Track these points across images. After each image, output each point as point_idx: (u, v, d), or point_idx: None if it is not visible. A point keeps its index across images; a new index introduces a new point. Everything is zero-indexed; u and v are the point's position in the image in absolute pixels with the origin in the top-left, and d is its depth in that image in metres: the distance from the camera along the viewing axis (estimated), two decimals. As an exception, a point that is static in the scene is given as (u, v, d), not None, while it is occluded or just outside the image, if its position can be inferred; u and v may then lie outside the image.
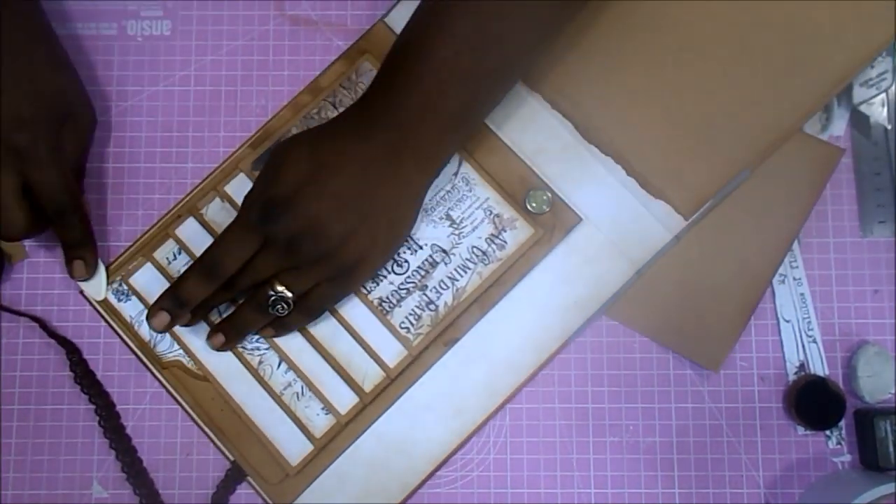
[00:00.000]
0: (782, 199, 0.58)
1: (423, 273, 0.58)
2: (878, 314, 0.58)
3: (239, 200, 0.56)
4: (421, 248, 0.58)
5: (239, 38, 0.62)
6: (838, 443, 0.58)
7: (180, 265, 0.58)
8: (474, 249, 0.58)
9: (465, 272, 0.58)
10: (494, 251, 0.58)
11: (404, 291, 0.58)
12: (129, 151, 0.61)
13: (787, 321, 0.58)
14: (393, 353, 0.57)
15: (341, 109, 0.58)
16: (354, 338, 0.57)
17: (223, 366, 0.57)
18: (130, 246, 0.59)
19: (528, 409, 0.58)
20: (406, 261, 0.58)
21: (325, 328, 0.57)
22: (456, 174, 0.58)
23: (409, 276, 0.58)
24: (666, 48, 0.57)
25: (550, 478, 0.58)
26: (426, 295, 0.57)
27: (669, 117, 0.56)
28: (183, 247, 0.58)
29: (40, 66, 0.55)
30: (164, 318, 0.54)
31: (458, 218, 0.58)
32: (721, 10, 0.57)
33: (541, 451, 0.58)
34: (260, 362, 0.58)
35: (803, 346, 0.58)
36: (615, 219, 0.57)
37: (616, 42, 0.57)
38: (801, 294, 0.59)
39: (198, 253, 0.57)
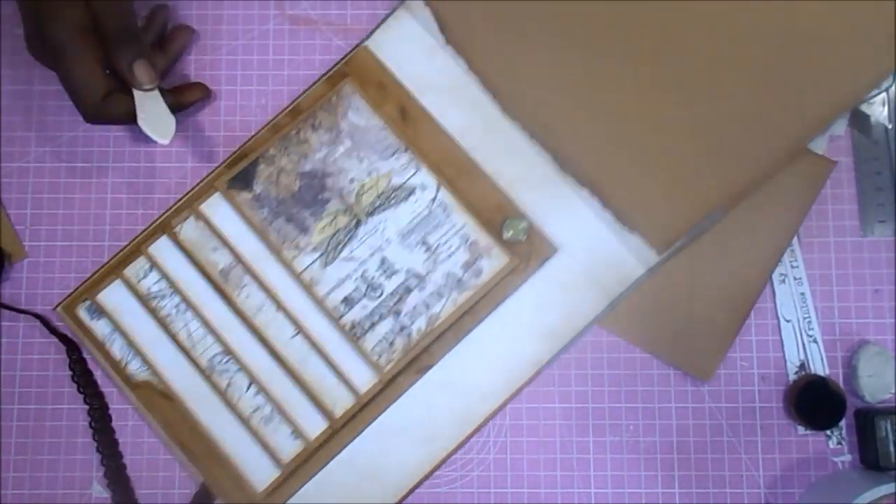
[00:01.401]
0: (773, 211, 0.58)
1: (397, 298, 0.58)
2: (879, 314, 0.58)
3: (215, 220, 0.57)
4: (396, 272, 0.58)
5: (239, 38, 0.62)
6: (838, 443, 0.58)
7: (150, 283, 0.58)
8: (449, 276, 0.58)
9: (440, 299, 0.57)
10: (470, 278, 0.58)
11: (377, 316, 0.57)
12: (129, 151, 0.61)
13: (788, 321, 0.58)
14: (364, 378, 0.57)
15: (321, 131, 0.59)
16: (326, 362, 0.57)
17: (191, 387, 0.57)
18: (102, 266, 0.59)
19: (528, 409, 0.58)
20: (381, 285, 0.58)
21: (296, 351, 0.57)
22: (434, 200, 0.58)
23: (382, 301, 0.58)
24: (646, 84, 0.57)
25: (550, 478, 0.58)
26: (400, 321, 0.57)
27: (647, 153, 0.57)
28: (154, 264, 0.58)
29: None
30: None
31: (434, 244, 0.58)
32: (701, 50, 0.57)
33: (541, 451, 0.58)
34: (229, 384, 0.57)
35: (804, 346, 0.58)
36: (590, 250, 0.57)
37: (597, 76, 0.57)
38: (802, 293, 0.59)
39: (170, 273, 0.58)
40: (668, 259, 0.57)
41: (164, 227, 0.59)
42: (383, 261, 0.58)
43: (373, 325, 0.57)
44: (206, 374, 0.57)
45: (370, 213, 0.59)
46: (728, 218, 0.58)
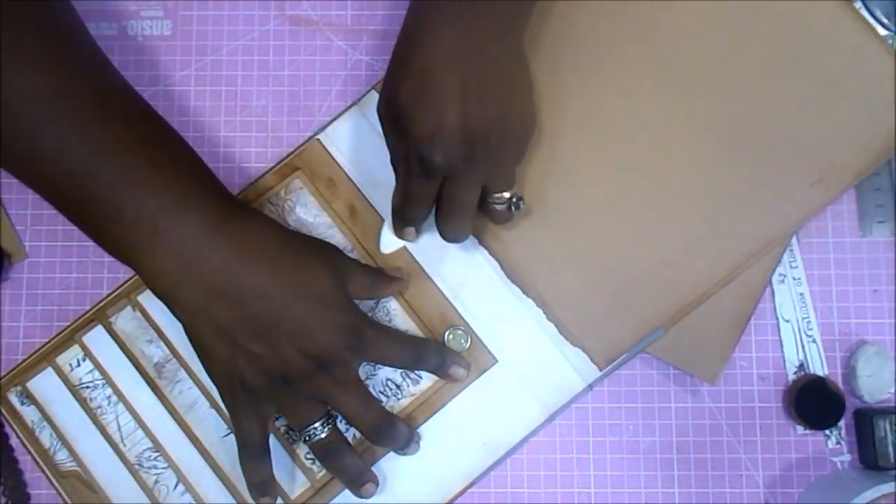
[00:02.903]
0: (774, 209, 0.58)
1: None
2: (878, 314, 0.59)
3: (152, 311, 0.57)
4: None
5: (239, 38, 0.62)
6: (838, 442, 0.58)
7: (83, 373, 0.58)
8: (388, 383, 0.57)
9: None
10: (409, 386, 0.57)
11: None
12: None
13: (787, 321, 0.59)
14: (296, 484, 0.56)
15: None
16: None
17: (118, 481, 0.57)
18: (35, 351, 0.58)
19: (528, 409, 0.58)
20: None
21: (227, 451, 0.57)
22: (377, 303, 0.57)
23: None
24: (595, 201, 0.57)
25: (550, 478, 0.58)
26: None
27: (593, 268, 0.56)
28: (88, 354, 0.58)
29: None
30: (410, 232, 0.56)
31: None
32: (647, 175, 0.57)
33: (541, 451, 0.58)
34: (156, 481, 0.57)
35: (803, 346, 0.58)
36: (531, 362, 0.57)
37: (548, 188, 0.57)
38: (801, 294, 0.59)
39: (102, 363, 0.57)
40: (607, 376, 0.57)
41: (100, 316, 0.58)
42: None
43: None
44: (133, 469, 0.57)
45: None
46: (729, 217, 0.58)
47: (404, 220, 0.55)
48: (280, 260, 0.51)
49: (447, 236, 0.55)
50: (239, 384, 0.51)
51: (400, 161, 0.52)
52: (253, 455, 0.54)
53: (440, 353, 0.56)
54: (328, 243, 0.55)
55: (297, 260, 0.52)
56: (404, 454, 0.56)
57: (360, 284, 0.54)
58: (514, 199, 0.54)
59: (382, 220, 0.58)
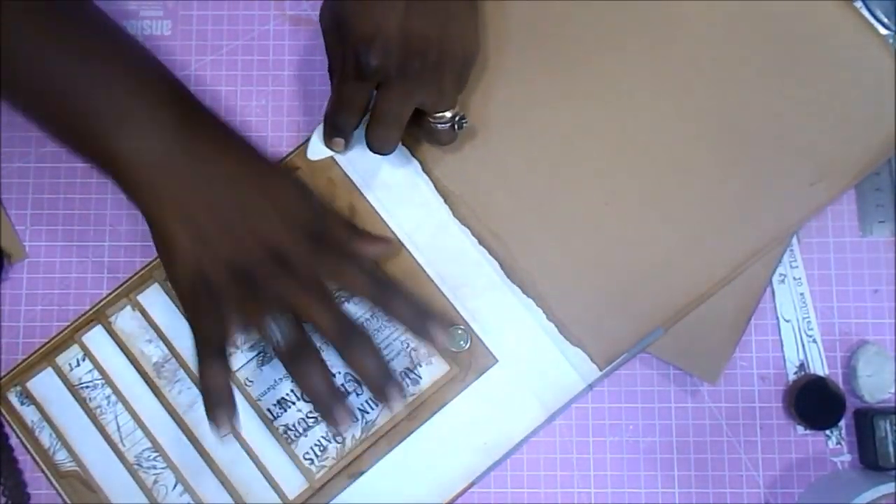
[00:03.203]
0: (774, 209, 0.58)
1: None
2: (878, 314, 0.58)
3: (152, 311, 0.57)
4: (334, 376, 0.56)
5: (239, 38, 0.62)
6: (838, 442, 0.58)
7: (82, 373, 0.58)
8: None
9: (376, 405, 0.57)
10: (408, 386, 0.57)
11: (312, 420, 0.57)
12: (129, 151, 0.61)
13: (787, 321, 0.59)
14: (294, 484, 0.56)
15: None
16: (256, 465, 0.56)
17: (117, 481, 0.56)
18: (35, 351, 0.58)
19: (528, 409, 0.58)
20: None
21: (226, 452, 0.56)
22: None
23: None
24: (598, 199, 0.57)
25: (550, 478, 0.58)
26: None
27: (593, 268, 0.56)
28: (87, 354, 0.58)
29: None
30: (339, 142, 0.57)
31: None
32: (650, 172, 0.57)
33: (541, 451, 0.58)
34: (155, 481, 0.57)
35: (803, 346, 0.58)
36: (531, 362, 0.57)
37: (549, 188, 0.57)
38: (801, 294, 0.59)
39: (101, 363, 0.57)
40: (607, 376, 0.57)
41: (100, 316, 0.58)
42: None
43: (306, 429, 0.56)
44: (132, 469, 0.57)
45: None
46: (729, 217, 0.58)
47: (335, 127, 0.56)
48: (252, 162, 0.52)
49: (373, 145, 0.55)
50: (202, 285, 0.50)
51: (337, 67, 0.53)
52: (210, 355, 0.51)
53: (416, 305, 0.52)
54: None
55: (271, 168, 0.53)
56: (387, 407, 0.53)
57: (334, 222, 0.54)
58: (457, 119, 0.55)
59: (313, 130, 0.59)
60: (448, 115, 0.54)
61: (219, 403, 0.51)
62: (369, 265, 0.53)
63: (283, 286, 0.50)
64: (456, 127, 0.55)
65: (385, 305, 0.52)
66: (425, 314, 0.52)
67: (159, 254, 0.51)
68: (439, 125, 0.55)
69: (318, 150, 0.58)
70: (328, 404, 0.51)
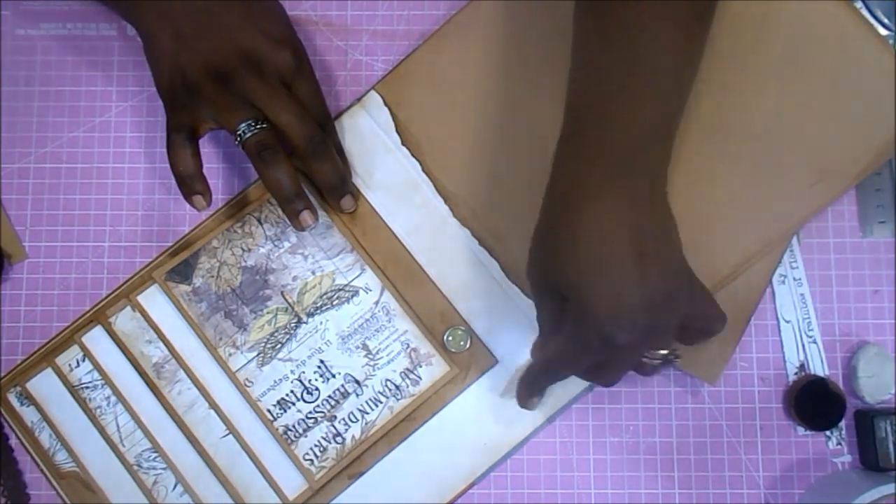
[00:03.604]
0: (775, 209, 0.58)
1: (332, 403, 0.57)
2: (878, 314, 0.58)
3: (151, 312, 0.57)
4: (333, 376, 0.57)
5: (239, 39, 0.62)
6: (838, 443, 0.58)
7: (82, 373, 0.58)
8: (388, 383, 0.57)
9: (376, 406, 0.57)
10: (408, 386, 0.57)
11: (312, 421, 0.57)
12: (130, 152, 0.61)
13: (788, 321, 0.58)
14: (294, 485, 0.56)
15: (266, 225, 0.58)
16: (256, 465, 0.56)
17: (117, 482, 0.57)
18: (35, 351, 0.58)
19: (528, 410, 0.58)
20: (317, 388, 0.57)
21: (226, 452, 0.57)
22: (377, 303, 0.58)
23: (318, 406, 0.57)
24: None
25: (550, 478, 0.58)
26: (334, 426, 0.57)
27: None
28: (87, 355, 0.58)
29: None
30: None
31: (374, 349, 0.57)
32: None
33: (541, 451, 0.58)
34: (155, 482, 0.57)
35: (803, 347, 0.58)
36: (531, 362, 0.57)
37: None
38: (802, 294, 0.59)
39: (101, 363, 0.57)
40: None
41: (99, 316, 0.58)
42: (321, 363, 0.57)
43: (306, 429, 0.57)
44: (132, 469, 0.57)
45: (311, 314, 0.58)
46: (729, 217, 0.58)
47: (544, 384, 0.53)
48: None
49: (603, 385, 0.51)
50: (180, 80, 0.53)
51: (565, 331, 0.48)
52: (180, 142, 0.54)
53: (337, 172, 0.55)
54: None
55: None
56: (338, 209, 0.57)
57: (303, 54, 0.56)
58: (671, 356, 0.50)
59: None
60: (663, 352, 0.50)
61: (192, 188, 0.55)
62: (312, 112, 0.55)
63: (254, 87, 0.53)
64: (668, 363, 0.50)
65: (311, 159, 0.54)
66: (342, 184, 0.56)
67: (146, 56, 0.54)
68: (654, 360, 0.50)
69: (509, 394, 0.57)
70: (292, 201, 0.54)
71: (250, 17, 0.53)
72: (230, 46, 0.53)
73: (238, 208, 0.59)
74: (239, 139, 0.53)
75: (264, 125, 0.53)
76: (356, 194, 0.58)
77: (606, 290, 0.45)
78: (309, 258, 0.58)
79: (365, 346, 0.57)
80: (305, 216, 0.54)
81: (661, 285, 0.45)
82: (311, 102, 0.55)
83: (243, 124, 0.53)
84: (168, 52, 0.53)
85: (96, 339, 0.58)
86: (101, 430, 0.57)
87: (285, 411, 0.57)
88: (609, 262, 0.45)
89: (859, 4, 0.59)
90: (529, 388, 0.53)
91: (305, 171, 0.55)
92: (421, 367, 0.57)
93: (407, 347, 0.57)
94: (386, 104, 0.59)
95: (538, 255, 0.48)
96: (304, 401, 0.57)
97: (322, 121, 0.56)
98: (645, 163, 0.46)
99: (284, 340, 0.58)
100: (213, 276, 0.58)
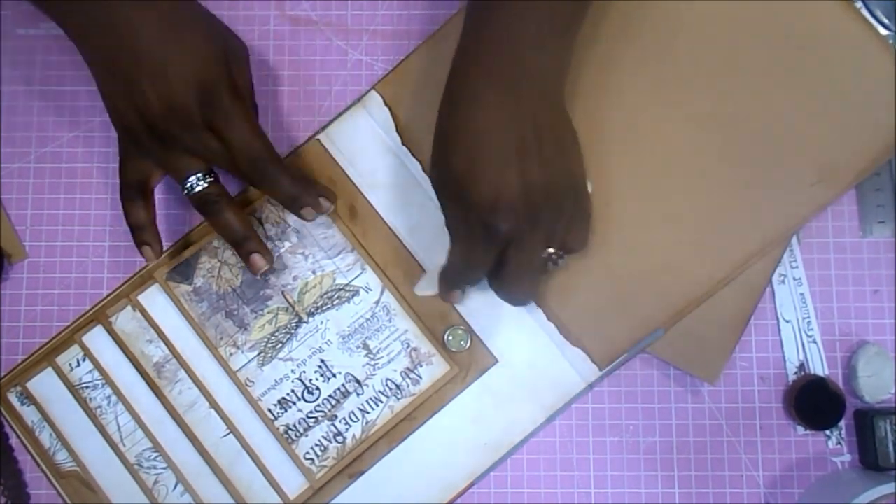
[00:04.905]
0: (774, 209, 0.58)
1: (333, 402, 0.57)
2: (878, 314, 0.58)
3: (152, 311, 0.57)
4: (334, 376, 0.57)
5: (239, 39, 0.62)
6: (838, 443, 0.58)
7: (82, 373, 0.58)
8: (388, 382, 0.57)
9: (377, 405, 0.57)
10: (408, 386, 0.57)
11: (312, 420, 0.57)
12: (130, 151, 0.61)
13: (787, 321, 0.59)
14: (295, 484, 0.56)
15: (266, 225, 0.58)
16: (257, 465, 0.57)
17: (117, 482, 0.57)
18: (35, 351, 0.58)
19: (528, 409, 0.58)
20: (318, 388, 0.57)
21: (226, 452, 0.57)
22: (377, 303, 0.58)
23: (318, 405, 0.57)
24: (595, 202, 0.56)
25: (550, 478, 0.58)
26: (335, 426, 0.57)
27: (593, 269, 0.56)
28: (87, 354, 0.58)
29: (181, 14, 0.52)
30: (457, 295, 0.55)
31: (374, 348, 0.57)
32: (648, 176, 0.57)
33: (541, 451, 0.58)
34: (156, 482, 0.57)
35: (803, 346, 0.58)
36: (531, 362, 0.57)
37: None
38: (801, 294, 0.59)
39: (102, 363, 0.57)
40: (607, 376, 0.57)
41: (100, 316, 0.58)
42: (322, 363, 0.57)
43: (307, 429, 0.57)
44: (133, 469, 0.57)
45: (312, 313, 0.58)
46: (729, 217, 0.58)
47: (457, 283, 0.55)
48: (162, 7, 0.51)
49: (514, 300, 0.53)
50: (123, 131, 0.53)
51: (459, 227, 0.51)
52: (131, 195, 0.55)
53: (296, 182, 0.54)
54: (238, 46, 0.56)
55: (195, 19, 0.52)
56: (301, 216, 0.55)
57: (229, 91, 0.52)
58: (556, 258, 0.52)
59: (423, 271, 0.58)
60: (550, 250, 0.51)
61: (144, 239, 0.55)
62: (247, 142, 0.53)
63: (190, 140, 0.52)
64: (551, 264, 0.52)
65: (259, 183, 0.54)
66: (292, 202, 0.54)
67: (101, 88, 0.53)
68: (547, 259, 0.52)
69: (427, 291, 0.57)
70: (241, 244, 0.55)
71: (175, 49, 0.51)
72: (156, 101, 0.51)
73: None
74: (187, 191, 0.54)
75: (210, 177, 0.54)
76: (327, 199, 0.56)
77: (486, 179, 0.48)
78: (309, 258, 0.58)
79: (365, 346, 0.57)
80: (255, 259, 0.55)
81: (541, 184, 0.48)
82: (241, 140, 0.52)
83: (188, 179, 0.54)
84: (107, 100, 0.52)
85: (97, 338, 0.58)
86: (102, 430, 0.57)
87: (286, 411, 0.57)
88: (490, 153, 0.48)
89: (859, 4, 0.59)
90: (449, 285, 0.55)
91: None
92: (421, 366, 0.57)
93: (407, 347, 0.57)
94: (386, 104, 0.59)
95: (435, 155, 0.50)
96: (305, 400, 0.57)
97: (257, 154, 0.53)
98: (537, 67, 0.48)
99: (285, 340, 0.58)
100: (213, 276, 0.58)
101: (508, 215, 0.48)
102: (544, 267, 0.52)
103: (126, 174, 0.55)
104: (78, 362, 0.58)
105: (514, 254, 0.50)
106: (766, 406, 0.58)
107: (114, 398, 0.57)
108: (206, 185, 0.54)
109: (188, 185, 0.54)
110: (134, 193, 0.55)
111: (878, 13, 0.60)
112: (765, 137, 0.57)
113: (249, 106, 0.56)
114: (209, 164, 0.54)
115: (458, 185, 0.48)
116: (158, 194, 0.60)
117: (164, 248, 0.59)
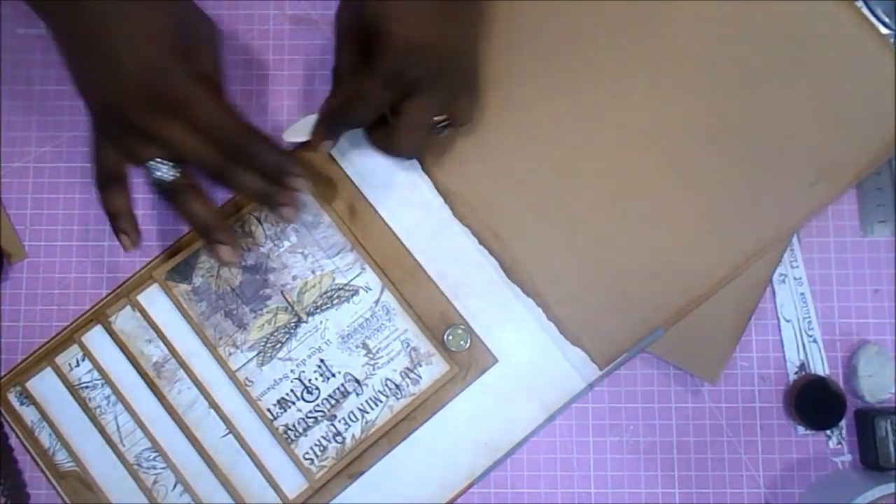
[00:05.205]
0: (775, 209, 0.58)
1: (332, 402, 0.57)
2: (879, 314, 0.58)
3: (151, 311, 0.57)
4: (333, 375, 0.57)
5: (239, 38, 0.62)
6: (838, 442, 0.58)
7: (82, 373, 0.58)
8: (388, 382, 0.57)
9: (377, 405, 0.57)
10: (408, 385, 0.57)
11: (312, 420, 0.57)
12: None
13: (788, 321, 0.58)
14: (294, 484, 0.56)
15: (266, 224, 0.58)
16: (256, 465, 0.56)
17: (116, 482, 0.57)
18: (34, 351, 0.58)
19: (528, 409, 0.58)
20: (317, 388, 0.57)
21: (226, 452, 0.57)
22: (377, 302, 0.57)
23: (318, 405, 0.57)
24: (597, 200, 0.57)
25: (550, 478, 0.58)
26: (334, 426, 0.57)
27: (593, 268, 0.56)
28: (87, 354, 0.58)
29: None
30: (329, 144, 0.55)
31: (374, 348, 0.57)
32: (651, 173, 0.57)
33: (541, 451, 0.58)
34: (155, 482, 0.57)
35: (804, 346, 0.58)
36: (531, 362, 0.57)
37: (550, 187, 0.57)
38: (802, 293, 0.59)
39: (101, 363, 0.57)
40: (607, 375, 0.57)
41: (99, 315, 0.58)
42: (321, 363, 0.57)
43: (306, 429, 0.57)
44: (132, 469, 0.57)
45: (311, 313, 0.58)
46: (729, 217, 0.58)
47: (338, 127, 0.54)
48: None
49: (401, 152, 0.54)
50: (95, 121, 0.52)
51: (352, 67, 0.52)
52: (106, 182, 0.52)
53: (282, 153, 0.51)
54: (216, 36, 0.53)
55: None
56: (285, 220, 0.54)
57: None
58: (445, 124, 0.54)
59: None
60: (442, 115, 0.54)
61: (122, 228, 0.53)
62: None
63: (147, 125, 0.50)
64: (436, 131, 0.54)
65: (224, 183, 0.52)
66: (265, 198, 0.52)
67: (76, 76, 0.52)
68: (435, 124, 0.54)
69: (297, 137, 0.56)
70: (210, 234, 0.53)
71: (131, 39, 0.49)
72: (121, 92, 0.49)
73: (238, 208, 0.59)
74: (151, 180, 0.52)
75: (174, 166, 0.51)
76: (294, 198, 0.53)
77: (408, 21, 0.48)
78: (309, 257, 0.58)
79: (365, 346, 0.57)
80: (220, 250, 0.53)
81: (453, 43, 0.50)
82: (207, 117, 0.51)
83: (153, 165, 0.51)
84: (81, 91, 0.51)
85: (96, 338, 0.58)
86: (101, 430, 0.57)
87: (285, 410, 0.57)
88: (412, 2, 0.48)
89: (859, 4, 0.59)
90: (327, 129, 0.54)
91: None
92: (421, 366, 0.57)
93: (407, 346, 0.57)
94: None
95: None
96: (305, 400, 0.57)
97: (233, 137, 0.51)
98: None
99: (284, 340, 0.58)
100: (212, 276, 0.58)
101: (421, 60, 0.49)
102: (430, 131, 0.53)
103: (99, 161, 0.53)
104: (77, 362, 0.58)
105: (411, 105, 0.51)
106: (767, 406, 0.58)
107: (113, 398, 0.57)
108: (169, 172, 0.51)
109: (151, 172, 0.51)
110: (108, 180, 0.53)
111: (879, 12, 0.59)
112: (765, 137, 0.57)
113: (213, 85, 0.53)
114: (174, 152, 0.51)
115: (376, 22, 0.49)
116: (158, 194, 0.60)
117: (164, 249, 0.59)
